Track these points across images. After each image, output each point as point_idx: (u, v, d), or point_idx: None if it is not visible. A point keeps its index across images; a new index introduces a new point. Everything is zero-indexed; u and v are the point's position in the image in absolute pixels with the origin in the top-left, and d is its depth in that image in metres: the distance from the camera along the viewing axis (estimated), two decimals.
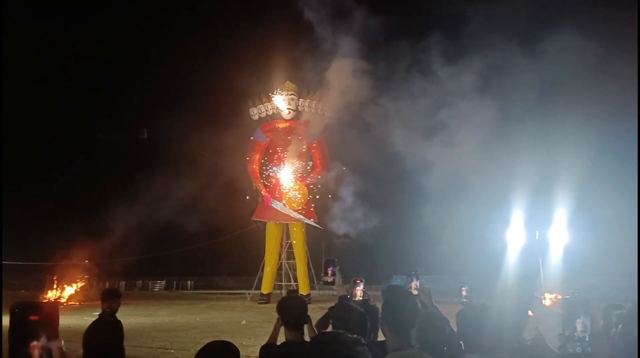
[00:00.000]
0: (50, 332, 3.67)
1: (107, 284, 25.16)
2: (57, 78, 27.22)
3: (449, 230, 17.66)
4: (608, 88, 14.55)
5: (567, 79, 15.15)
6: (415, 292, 3.92)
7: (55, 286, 22.58)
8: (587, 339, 3.13)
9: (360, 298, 4.04)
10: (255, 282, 24.13)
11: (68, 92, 27.63)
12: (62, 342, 3.42)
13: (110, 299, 5.78)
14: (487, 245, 20.28)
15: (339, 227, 19.95)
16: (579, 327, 3.16)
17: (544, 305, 14.18)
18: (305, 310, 3.85)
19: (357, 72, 19.34)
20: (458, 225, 17.70)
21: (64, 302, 21.41)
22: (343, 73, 19.63)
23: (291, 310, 3.80)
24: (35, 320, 4.16)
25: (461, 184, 16.04)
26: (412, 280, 4.05)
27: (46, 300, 19.30)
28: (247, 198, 23.70)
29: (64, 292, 22.61)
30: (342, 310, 3.48)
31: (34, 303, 4.75)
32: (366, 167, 20.73)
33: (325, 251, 24.12)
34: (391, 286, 3.14)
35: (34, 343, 3.38)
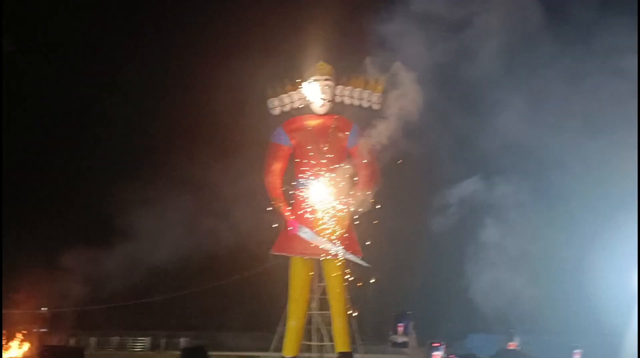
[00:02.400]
0: None
1: (73, 341, 24.09)
2: None
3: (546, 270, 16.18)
4: None
5: None
6: None
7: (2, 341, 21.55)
8: None
9: None
10: (275, 341, 21.56)
11: None
12: None
13: None
14: (605, 293, 17.35)
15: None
16: None
17: None
18: None
19: None
20: (559, 262, 16.49)
21: None
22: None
23: None
24: None
25: (566, 200, 15.35)
26: (510, 340, 1.68)
27: None
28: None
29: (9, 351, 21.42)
30: None
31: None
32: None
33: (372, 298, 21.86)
34: (504, 351, 1.59)
35: None
